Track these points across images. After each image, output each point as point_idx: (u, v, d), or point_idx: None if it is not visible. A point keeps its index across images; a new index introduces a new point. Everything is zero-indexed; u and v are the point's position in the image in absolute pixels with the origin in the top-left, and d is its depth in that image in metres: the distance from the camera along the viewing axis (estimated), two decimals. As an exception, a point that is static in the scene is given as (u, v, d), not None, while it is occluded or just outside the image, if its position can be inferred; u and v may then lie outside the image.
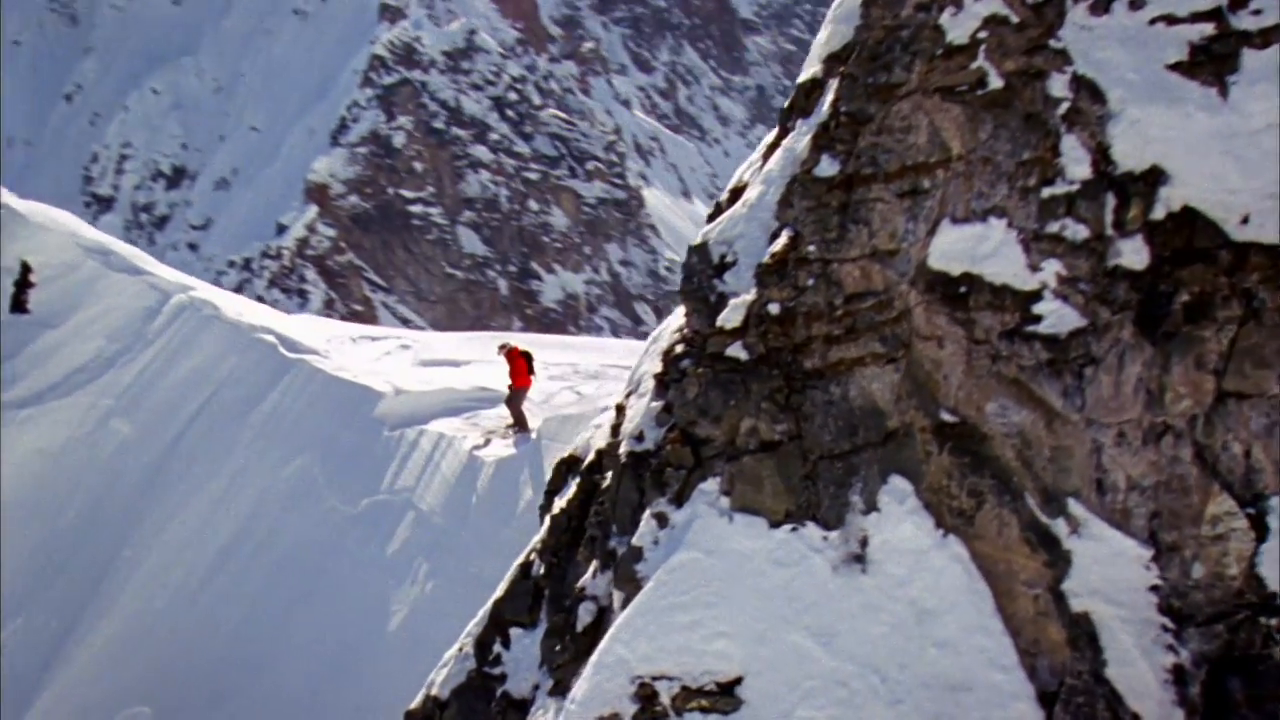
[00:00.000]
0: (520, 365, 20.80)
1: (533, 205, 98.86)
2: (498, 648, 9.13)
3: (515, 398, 20.88)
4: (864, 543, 7.48)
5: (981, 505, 7.45)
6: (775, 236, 7.87)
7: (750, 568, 7.54)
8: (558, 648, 8.51)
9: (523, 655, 8.93)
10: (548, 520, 9.34)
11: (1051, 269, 7.34)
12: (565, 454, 9.84)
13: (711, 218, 8.67)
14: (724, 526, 7.62)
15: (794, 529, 7.57)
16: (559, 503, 9.40)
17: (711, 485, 7.70)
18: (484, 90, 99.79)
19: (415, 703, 9.63)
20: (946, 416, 7.55)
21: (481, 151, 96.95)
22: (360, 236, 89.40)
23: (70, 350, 25.29)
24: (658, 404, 8.18)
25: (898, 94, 7.59)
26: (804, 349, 7.65)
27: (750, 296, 7.78)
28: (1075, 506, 7.33)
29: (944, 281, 7.54)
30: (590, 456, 9.22)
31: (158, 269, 27.27)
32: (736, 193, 8.62)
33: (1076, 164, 7.34)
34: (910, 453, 7.59)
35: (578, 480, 9.20)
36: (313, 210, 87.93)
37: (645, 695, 7.41)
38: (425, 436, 21.49)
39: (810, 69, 8.21)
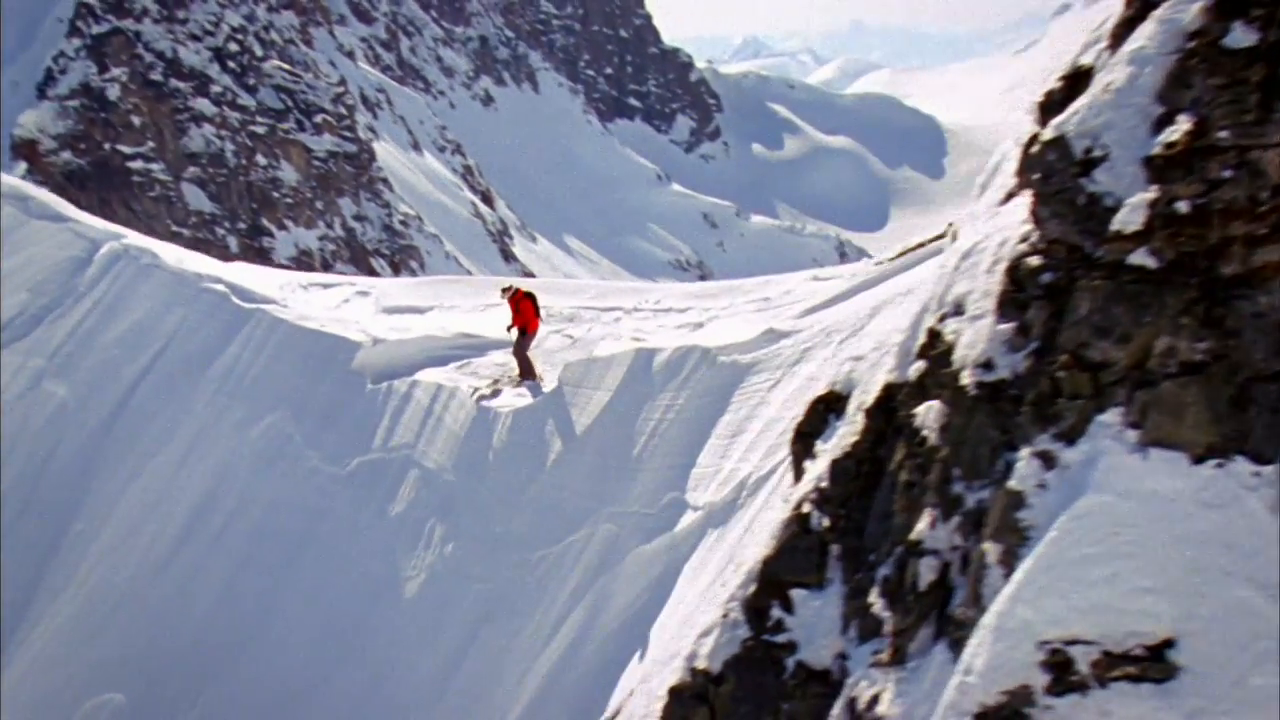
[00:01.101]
0: (527, 308, 19.29)
1: (260, 160, 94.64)
2: (778, 613, 7.79)
3: (523, 343, 19.34)
4: (1302, 478, 6.35)
5: None
6: (1163, 123, 6.64)
7: (1175, 511, 6.36)
8: (873, 609, 7.23)
9: (815, 620, 7.62)
10: (822, 467, 8.00)
11: None
12: (821, 392, 8.50)
13: (1046, 110, 7.39)
14: (1137, 464, 6.42)
15: (1220, 464, 6.40)
16: (830, 446, 8.08)
17: (1113, 417, 6.48)
18: (202, 41, 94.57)
19: (678, 678, 8.22)
20: (1384, 327, 6.45)
21: (204, 104, 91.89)
22: (76, 195, 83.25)
23: (-11, 306, 22.74)
24: (1008, 325, 6.92)
25: (1328, -55, 6.40)
26: (1221, 252, 6.46)
27: (1151, 195, 6.54)
28: None
29: (1383, 168, 6.41)
30: (874, 392, 7.90)
31: (80, 216, 24.69)
32: (1076, 79, 7.34)
33: None
34: (1344, 371, 6.48)
35: (861, 420, 7.87)
36: (21, 168, 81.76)
37: (1058, 663, 6.23)
38: (419, 388, 19.78)
39: (1179, -71, 6.95)
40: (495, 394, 19.07)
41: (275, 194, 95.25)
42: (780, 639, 7.70)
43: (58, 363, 22.02)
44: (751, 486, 14.68)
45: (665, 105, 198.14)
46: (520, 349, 19.33)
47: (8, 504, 20.69)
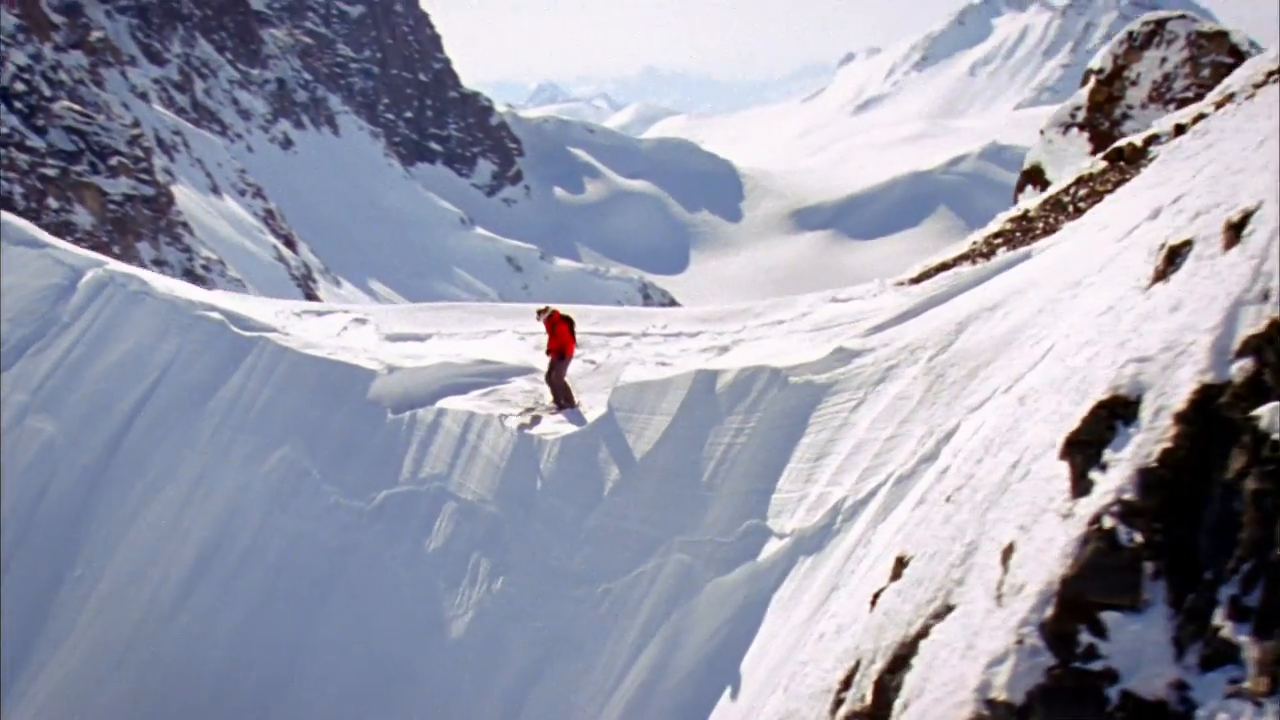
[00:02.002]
0: (564, 331, 18.27)
1: (52, 203, 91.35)
2: (1088, 638, 6.92)
3: (559, 368, 18.29)
4: None
5: None
6: None
7: None
8: (1221, 633, 6.40)
9: (1137, 645, 6.76)
10: (1120, 478, 7.16)
11: None
12: (1103, 396, 7.68)
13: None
14: None
15: None
16: (1128, 455, 7.24)
17: None
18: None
19: (970, 713, 7.26)
20: None
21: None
22: None
23: (-38, 338, 21.05)
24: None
25: None
26: None
27: None
28: None
29: None
30: (1183, 394, 7.10)
31: (56, 242, 23.07)
32: None
33: None
34: None
35: (1171, 426, 7.07)
36: None
37: None
38: (448, 416, 18.60)
39: None
40: (534, 421, 17.99)
41: (69, 238, 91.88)
42: (1095, 667, 6.84)
43: (43, 397, 20.45)
44: (848, 511, 13.85)
45: (466, 149, 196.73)
46: (557, 374, 18.30)
47: (-3, 550, 19.04)
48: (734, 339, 21.11)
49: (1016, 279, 15.11)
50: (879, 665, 10.00)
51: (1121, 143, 21.26)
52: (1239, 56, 35.62)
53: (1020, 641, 7.20)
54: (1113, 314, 10.26)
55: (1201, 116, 19.32)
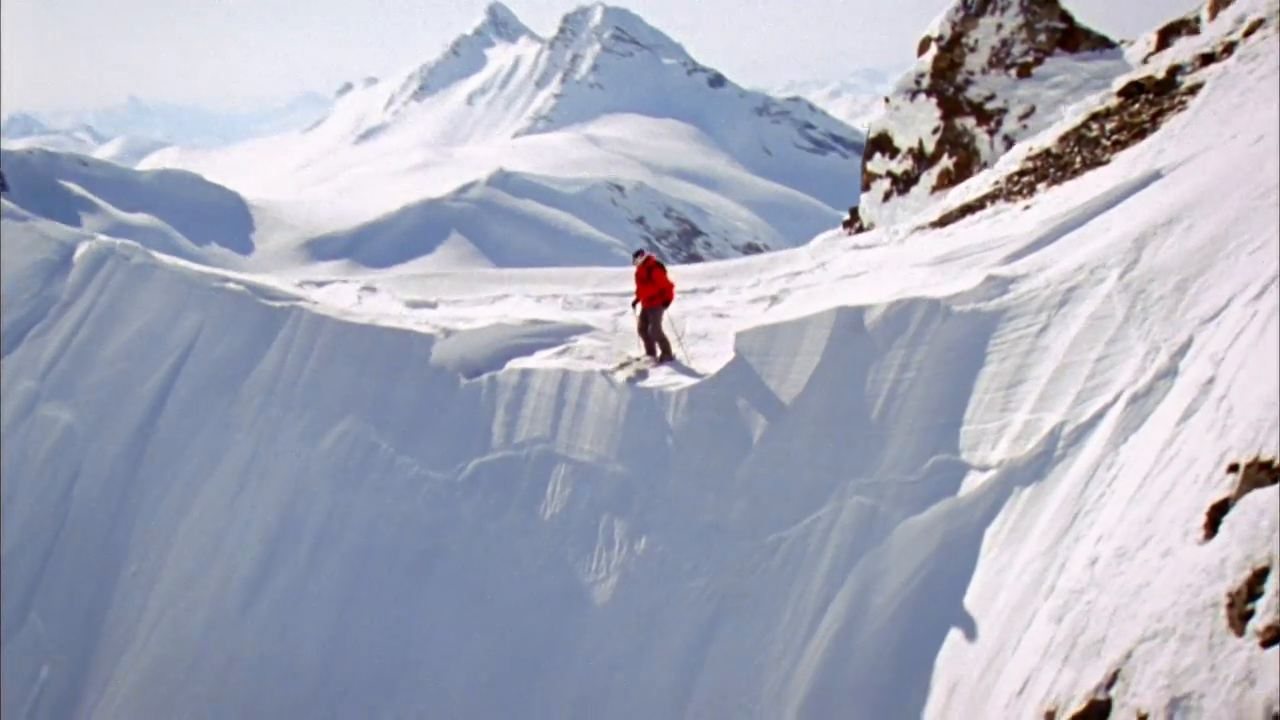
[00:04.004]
0: (661, 275, 16.47)
1: None
2: None
3: (657, 318, 16.50)
4: None
5: None
6: None
7: None
8: None
9: None
10: None
11: None
12: None
13: None
14: None
15: None
16: None
17: None
18: None
19: None
20: None
21: None
22: None
23: (-62, 325, 17.70)
24: None
25: None
26: None
27: None
28: None
29: None
30: None
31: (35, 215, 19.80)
32: None
33: None
34: None
35: None
36: None
37: None
38: (537, 376, 16.59)
39: None
40: (640, 375, 16.15)
41: None
42: None
43: (53, 383, 17.48)
44: (1069, 436, 12.61)
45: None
46: (655, 323, 16.50)
47: (26, 555, 16.03)
48: (781, 288, 19.74)
49: (1181, 194, 14.20)
50: (1307, 573, 8.80)
51: (1136, 76, 20.78)
52: (1069, 21, 36.76)
53: None
54: None
55: (1232, 46, 18.98)
